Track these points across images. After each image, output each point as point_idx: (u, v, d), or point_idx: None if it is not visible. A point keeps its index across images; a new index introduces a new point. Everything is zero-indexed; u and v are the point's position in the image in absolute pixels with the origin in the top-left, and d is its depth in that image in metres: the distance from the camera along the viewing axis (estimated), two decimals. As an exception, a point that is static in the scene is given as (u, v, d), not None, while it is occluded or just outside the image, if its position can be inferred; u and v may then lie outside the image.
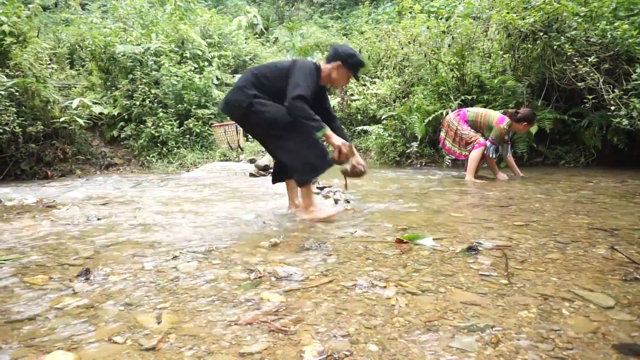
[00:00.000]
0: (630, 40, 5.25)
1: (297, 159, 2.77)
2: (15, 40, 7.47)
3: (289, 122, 2.66)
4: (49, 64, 8.28)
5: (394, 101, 8.34)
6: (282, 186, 3.24)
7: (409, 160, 7.14)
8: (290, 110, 2.61)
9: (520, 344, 1.17)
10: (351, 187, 4.38)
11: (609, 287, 1.56)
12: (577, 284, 1.60)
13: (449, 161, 6.45)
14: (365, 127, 8.54)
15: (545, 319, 1.32)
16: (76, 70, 10.34)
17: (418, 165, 6.82)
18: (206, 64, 10.23)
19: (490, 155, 4.82)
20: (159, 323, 1.32)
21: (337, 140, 2.66)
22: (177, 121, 9.11)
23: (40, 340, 1.23)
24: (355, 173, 2.80)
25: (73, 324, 1.34)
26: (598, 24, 5.56)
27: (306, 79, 2.69)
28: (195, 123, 9.18)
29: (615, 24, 5.39)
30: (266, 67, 2.90)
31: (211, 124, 9.24)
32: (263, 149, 8.95)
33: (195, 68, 9.66)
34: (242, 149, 8.88)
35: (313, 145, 2.70)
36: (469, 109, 5.12)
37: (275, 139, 2.82)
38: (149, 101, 9.00)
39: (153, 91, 9.08)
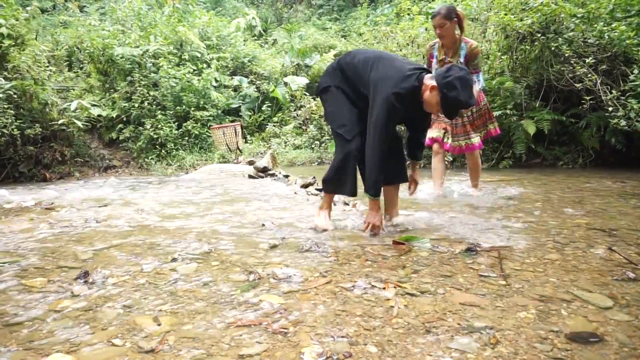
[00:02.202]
0: (627, 41, 5.26)
1: (334, 162, 2.62)
2: (13, 43, 7.45)
3: (337, 133, 2.52)
4: (47, 67, 8.27)
5: None
6: (281, 187, 3.23)
7: (408, 162, 7.14)
8: (371, 154, 2.39)
9: (519, 344, 1.17)
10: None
11: (607, 287, 1.57)
12: (576, 284, 1.60)
13: (448, 162, 6.46)
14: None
15: (544, 319, 1.32)
16: (74, 72, 10.34)
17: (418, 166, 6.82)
18: (205, 66, 10.23)
19: None
20: (158, 325, 1.32)
21: (372, 217, 2.45)
22: (176, 123, 9.10)
23: (39, 342, 1.23)
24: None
25: (72, 326, 1.33)
26: (595, 25, 5.57)
27: (385, 113, 2.33)
28: (194, 125, 9.17)
29: (613, 25, 5.40)
30: (354, 58, 2.57)
31: (210, 125, 9.24)
32: (262, 151, 8.96)
33: (194, 70, 9.66)
34: (240, 151, 8.88)
35: (340, 168, 2.52)
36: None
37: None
38: (148, 103, 8.99)
39: (152, 93, 9.07)
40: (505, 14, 6.06)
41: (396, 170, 2.71)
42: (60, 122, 7.57)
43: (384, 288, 1.59)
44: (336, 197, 3.65)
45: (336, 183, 2.59)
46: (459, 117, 3.54)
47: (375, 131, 2.34)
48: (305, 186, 4.52)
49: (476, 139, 3.65)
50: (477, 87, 3.32)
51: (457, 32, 3.37)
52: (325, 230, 2.56)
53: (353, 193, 2.56)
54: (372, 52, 2.61)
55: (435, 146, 3.81)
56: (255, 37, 15.31)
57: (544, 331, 1.24)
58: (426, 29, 7.66)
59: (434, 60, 3.52)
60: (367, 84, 2.42)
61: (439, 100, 2.26)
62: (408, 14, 8.70)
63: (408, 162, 2.84)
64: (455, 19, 3.25)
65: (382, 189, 2.52)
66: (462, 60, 3.35)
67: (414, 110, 2.45)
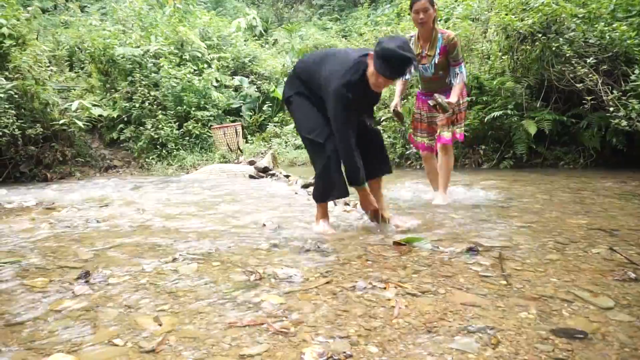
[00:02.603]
0: (628, 42, 5.26)
1: (316, 172, 2.65)
2: (14, 43, 7.47)
3: (309, 139, 2.54)
4: (49, 67, 8.28)
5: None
6: (281, 187, 3.23)
7: (409, 162, 7.14)
8: (338, 149, 2.45)
9: (520, 345, 1.17)
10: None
11: (608, 287, 1.56)
12: (577, 284, 1.60)
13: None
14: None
15: (544, 320, 1.32)
16: (75, 72, 10.35)
17: (418, 167, 6.82)
18: (205, 66, 10.24)
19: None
20: (159, 325, 1.32)
21: (369, 205, 2.53)
22: (177, 123, 9.11)
23: (40, 342, 1.23)
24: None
25: (73, 326, 1.34)
26: (596, 26, 5.57)
27: (336, 109, 2.37)
28: (195, 125, 9.18)
29: (614, 25, 5.40)
30: (306, 62, 2.63)
31: (211, 125, 9.25)
32: (263, 151, 8.96)
33: (195, 70, 9.66)
34: (241, 151, 8.88)
35: (324, 174, 2.53)
36: None
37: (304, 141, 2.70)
38: (149, 103, 9.00)
39: (152, 93, 9.08)
40: (506, 14, 6.05)
41: (376, 163, 2.70)
42: (61, 122, 7.58)
43: (385, 288, 1.59)
44: (337, 198, 3.66)
45: (325, 191, 2.59)
46: (438, 107, 3.12)
47: (336, 125, 2.38)
48: (306, 186, 4.52)
49: (448, 134, 3.31)
50: (458, 81, 3.14)
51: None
52: (327, 235, 2.53)
53: (343, 194, 2.57)
54: (319, 53, 2.69)
55: (424, 153, 3.59)
56: (256, 37, 15.31)
57: (545, 331, 1.24)
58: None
59: None
60: (320, 86, 2.45)
61: (377, 65, 2.23)
62: (409, 14, 8.69)
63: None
64: (435, 7, 3.07)
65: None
66: (438, 52, 3.13)
67: (371, 96, 2.56)
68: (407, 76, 3.11)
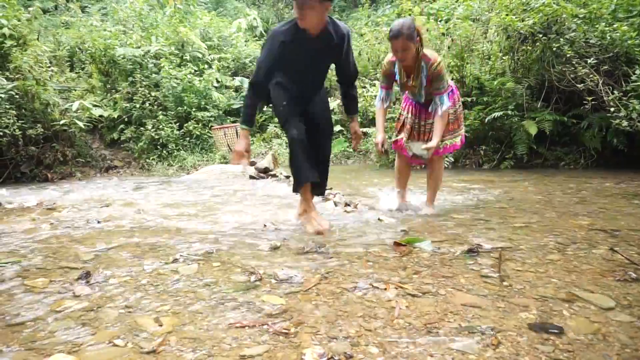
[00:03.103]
0: (629, 42, 5.26)
1: None
2: (15, 43, 7.47)
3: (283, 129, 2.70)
4: (49, 67, 8.27)
5: (394, 103, 8.33)
6: (282, 188, 3.24)
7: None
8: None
9: (520, 345, 1.17)
10: (354, 191, 4.40)
11: (609, 288, 1.56)
12: (578, 285, 1.60)
13: (448, 163, 6.45)
14: (365, 130, 8.53)
15: (545, 320, 1.32)
16: (76, 73, 10.35)
17: (417, 168, 6.82)
18: (206, 66, 10.24)
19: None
20: (159, 326, 1.32)
21: (238, 145, 2.61)
22: (177, 124, 9.10)
23: (40, 343, 1.24)
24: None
25: (73, 327, 1.34)
26: (597, 26, 5.57)
27: (261, 56, 2.58)
28: (195, 125, 9.18)
29: (615, 26, 5.40)
30: None
31: (211, 126, 9.24)
32: (264, 152, 8.96)
33: (195, 70, 9.66)
34: (242, 151, 8.87)
35: (290, 161, 2.68)
36: None
37: None
38: (149, 104, 9.00)
39: (153, 94, 9.08)
40: (507, 15, 6.06)
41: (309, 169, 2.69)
42: (61, 122, 7.58)
43: (385, 289, 1.59)
44: (337, 198, 3.66)
45: (295, 179, 2.71)
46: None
47: (255, 74, 2.57)
48: (306, 187, 4.51)
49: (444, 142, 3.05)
50: (439, 113, 2.83)
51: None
52: (320, 233, 2.49)
53: (309, 177, 2.63)
54: None
55: (401, 154, 3.28)
56: (257, 38, 15.30)
57: (546, 332, 1.24)
58: (427, 30, 7.66)
59: (397, 81, 2.99)
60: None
61: None
62: (409, 14, 8.69)
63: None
64: (418, 37, 2.70)
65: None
66: (424, 83, 2.82)
67: (312, 54, 2.54)
68: (386, 104, 3.06)
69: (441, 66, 2.77)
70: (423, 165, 3.26)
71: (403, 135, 3.14)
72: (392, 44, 2.71)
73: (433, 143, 2.83)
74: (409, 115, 3.11)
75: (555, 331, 1.24)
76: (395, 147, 3.24)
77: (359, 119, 3.12)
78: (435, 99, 2.85)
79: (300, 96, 2.70)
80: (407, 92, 3.04)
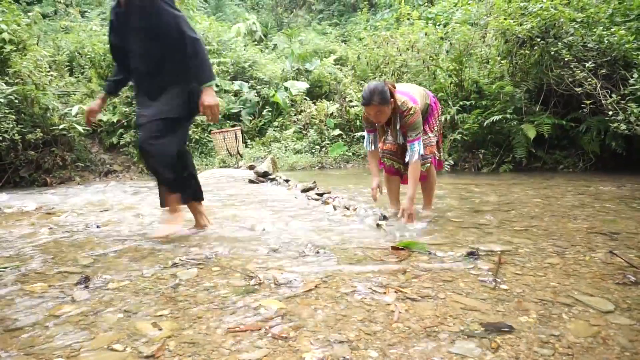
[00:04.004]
0: (627, 46, 5.28)
1: None
2: (15, 48, 7.48)
3: None
4: (49, 72, 8.29)
5: None
6: (281, 191, 3.23)
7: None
8: None
9: (520, 349, 1.17)
10: (353, 195, 4.40)
11: (608, 291, 1.56)
12: (577, 288, 1.60)
13: (448, 167, 6.46)
14: (364, 133, 8.55)
15: (545, 323, 1.32)
16: (75, 77, 10.36)
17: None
18: (205, 70, 10.25)
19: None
20: (158, 330, 1.32)
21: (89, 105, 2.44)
22: (177, 128, 9.11)
23: (39, 348, 1.23)
24: None
25: (72, 331, 1.33)
26: (595, 30, 5.59)
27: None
28: (195, 129, 9.19)
29: (612, 30, 5.43)
30: None
31: (210, 130, 9.26)
32: (262, 156, 8.97)
33: (195, 75, 9.68)
34: (241, 156, 8.89)
35: None
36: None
37: None
38: (149, 108, 9.01)
39: (152, 98, 9.10)
40: (505, 19, 6.08)
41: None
42: (61, 127, 7.59)
43: (385, 293, 1.59)
44: (336, 202, 3.66)
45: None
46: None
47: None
48: (305, 190, 4.52)
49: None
50: (412, 161, 2.74)
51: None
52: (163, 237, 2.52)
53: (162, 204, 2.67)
54: None
55: (387, 175, 3.19)
56: (256, 42, 15.35)
57: (545, 335, 1.24)
58: (426, 34, 7.69)
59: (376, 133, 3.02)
60: None
61: None
62: (408, 19, 8.73)
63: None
64: (392, 99, 2.68)
65: None
66: (400, 132, 2.84)
67: (130, 28, 2.34)
68: (375, 146, 3.03)
69: (413, 115, 2.71)
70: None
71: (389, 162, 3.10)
72: (364, 109, 2.75)
73: (405, 203, 2.77)
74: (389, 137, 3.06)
75: (506, 329, 1.27)
76: (387, 171, 3.17)
77: (215, 88, 3.00)
78: (408, 147, 2.78)
79: (138, 91, 2.46)
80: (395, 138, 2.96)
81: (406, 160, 2.82)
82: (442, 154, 3.04)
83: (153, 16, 2.26)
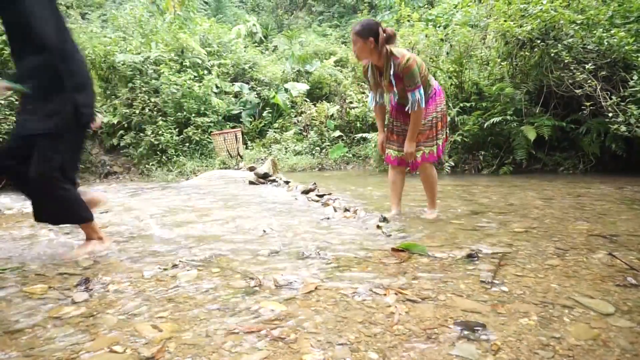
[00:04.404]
0: (626, 48, 5.29)
1: None
2: (15, 50, 7.50)
3: None
4: (49, 73, 8.30)
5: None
6: (281, 193, 3.23)
7: (408, 168, 7.15)
8: None
9: (520, 351, 1.17)
10: (353, 197, 4.40)
11: (609, 293, 1.56)
12: (577, 290, 1.60)
13: (449, 168, 6.46)
14: (364, 135, 8.56)
15: (545, 326, 1.32)
16: (76, 79, 10.38)
17: (417, 173, 6.83)
18: (205, 72, 10.28)
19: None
20: (158, 332, 1.32)
21: None
22: (177, 129, 9.13)
23: (39, 349, 1.23)
24: None
25: (72, 333, 1.33)
26: (595, 32, 5.60)
27: None
28: (195, 131, 9.20)
29: (612, 32, 5.43)
30: None
31: (211, 132, 9.26)
32: (263, 157, 8.97)
33: (195, 76, 9.70)
34: (241, 157, 8.89)
35: None
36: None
37: None
38: (149, 110, 9.03)
39: (153, 100, 9.11)
40: (505, 21, 6.09)
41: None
42: (61, 128, 7.59)
43: (385, 294, 1.59)
44: (336, 204, 3.66)
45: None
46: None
47: None
48: (305, 192, 4.52)
49: (418, 154, 3.01)
50: (414, 108, 2.77)
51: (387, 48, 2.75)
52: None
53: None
54: None
55: (391, 166, 3.23)
56: (256, 44, 15.38)
57: (546, 337, 1.24)
58: (426, 36, 7.70)
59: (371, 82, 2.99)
60: None
61: None
62: (408, 21, 8.73)
63: None
64: (372, 38, 2.67)
65: None
66: (393, 81, 2.80)
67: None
68: (377, 102, 3.03)
69: (410, 63, 2.69)
70: (414, 172, 3.22)
71: (387, 150, 3.15)
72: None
73: (406, 147, 2.90)
74: (392, 119, 3.13)
75: (479, 328, 1.28)
76: (386, 160, 3.23)
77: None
78: (407, 96, 2.78)
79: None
80: (390, 94, 2.96)
81: (406, 109, 2.85)
82: (439, 142, 3.04)
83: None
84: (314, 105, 10.53)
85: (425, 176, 3.12)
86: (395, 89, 2.84)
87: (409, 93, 2.77)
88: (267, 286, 1.71)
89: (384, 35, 2.70)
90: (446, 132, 3.12)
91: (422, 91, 2.77)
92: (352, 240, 2.46)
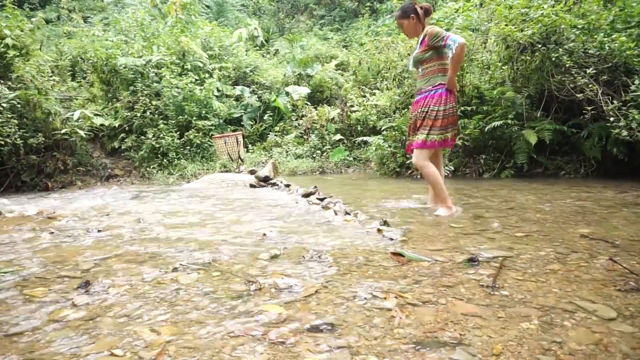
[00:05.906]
0: (628, 52, 5.29)
1: None
2: (18, 53, 7.53)
3: None
4: (51, 76, 8.34)
5: (394, 112, 8.38)
6: (282, 196, 3.23)
7: (409, 171, 7.15)
8: None
9: (521, 356, 1.16)
10: (354, 200, 4.40)
11: (610, 298, 1.56)
12: (579, 295, 1.59)
13: (449, 172, 6.45)
14: (365, 138, 8.57)
15: (546, 330, 1.31)
16: (78, 82, 10.42)
17: (418, 176, 6.83)
18: (207, 75, 10.30)
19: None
20: (158, 335, 1.32)
21: None
22: (178, 132, 9.14)
23: (39, 353, 1.23)
24: None
25: (72, 336, 1.33)
26: (596, 36, 5.60)
27: None
28: (196, 134, 9.21)
29: (613, 36, 5.44)
30: None
31: (212, 135, 9.28)
32: (263, 160, 8.98)
33: (196, 80, 9.72)
34: (242, 160, 8.90)
35: None
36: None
37: None
38: (150, 113, 9.05)
39: (154, 103, 9.13)
40: (506, 25, 6.10)
41: None
42: (63, 131, 7.61)
43: (385, 298, 1.59)
44: (337, 207, 3.66)
45: None
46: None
47: None
48: (306, 195, 4.52)
49: (412, 139, 3.39)
50: (454, 51, 3.06)
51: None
52: None
53: None
54: None
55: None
56: (257, 47, 15.42)
57: (547, 342, 1.23)
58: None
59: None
60: None
61: None
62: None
63: None
64: (413, 15, 3.26)
65: None
66: (419, 47, 3.31)
67: None
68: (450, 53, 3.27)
69: (432, 28, 3.17)
70: (410, 154, 3.63)
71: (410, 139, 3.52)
72: None
73: (449, 84, 3.21)
74: (410, 114, 3.54)
75: (453, 342, 1.24)
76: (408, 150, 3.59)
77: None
78: (446, 46, 3.12)
79: None
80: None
81: (450, 57, 3.16)
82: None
83: None
84: (315, 108, 10.55)
85: (423, 173, 3.39)
86: (414, 53, 3.34)
87: (446, 43, 3.10)
88: (267, 289, 1.71)
89: (422, 10, 3.27)
90: (451, 131, 3.34)
91: (453, 36, 3.08)
92: (353, 244, 2.45)
